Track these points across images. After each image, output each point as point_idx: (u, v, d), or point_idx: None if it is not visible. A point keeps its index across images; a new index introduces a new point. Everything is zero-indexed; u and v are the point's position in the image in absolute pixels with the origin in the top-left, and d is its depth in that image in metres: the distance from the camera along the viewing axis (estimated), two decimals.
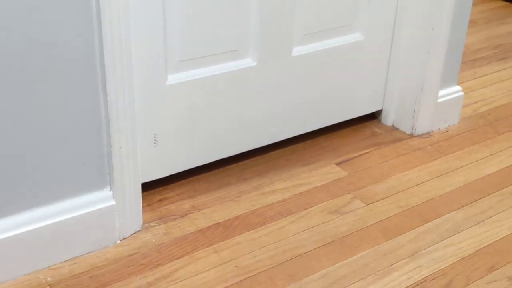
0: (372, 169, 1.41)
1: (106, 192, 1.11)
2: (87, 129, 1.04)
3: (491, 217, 1.26)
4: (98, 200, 1.10)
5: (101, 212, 1.10)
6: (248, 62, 1.30)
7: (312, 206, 1.28)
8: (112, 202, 1.11)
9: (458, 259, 1.14)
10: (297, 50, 1.35)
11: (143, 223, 1.20)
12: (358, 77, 1.49)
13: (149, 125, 1.21)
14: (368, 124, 1.59)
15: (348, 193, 1.32)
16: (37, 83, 0.97)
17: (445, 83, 1.55)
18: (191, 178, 1.34)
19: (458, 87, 1.60)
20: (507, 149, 1.51)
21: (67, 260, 1.10)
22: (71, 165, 1.05)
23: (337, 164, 1.42)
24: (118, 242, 1.15)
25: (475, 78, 1.88)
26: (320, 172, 1.39)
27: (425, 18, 1.44)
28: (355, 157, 1.45)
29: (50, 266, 1.09)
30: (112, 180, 1.10)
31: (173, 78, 1.20)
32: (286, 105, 1.39)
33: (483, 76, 1.89)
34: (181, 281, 1.07)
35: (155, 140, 1.23)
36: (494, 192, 1.34)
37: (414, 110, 1.52)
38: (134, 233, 1.17)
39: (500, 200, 1.32)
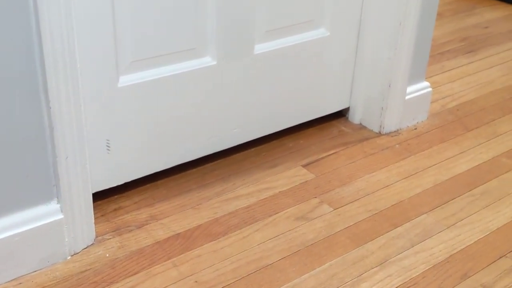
0: (339, 170, 1.35)
1: (53, 205, 1.02)
2: (29, 140, 0.96)
3: (462, 219, 1.22)
4: (45, 214, 1.01)
5: (48, 227, 1.02)
6: (207, 60, 1.22)
7: (278, 213, 1.21)
8: (60, 216, 1.03)
9: (430, 266, 1.09)
10: (259, 48, 1.28)
11: (96, 236, 1.12)
12: (324, 74, 1.42)
13: (100, 131, 1.12)
14: (335, 123, 1.53)
15: (315, 197, 1.26)
16: None
17: (413, 79, 1.50)
18: (149, 185, 1.26)
19: (426, 83, 1.55)
20: (477, 146, 1.47)
21: (13, 280, 1.02)
22: (13, 178, 0.97)
23: (304, 166, 1.36)
24: (69, 258, 1.07)
25: (443, 72, 1.84)
26: (286, 175, 1.32)
27: (392, 12, 1.38)
28: (322, 158, 1.39)
29: None
30: (59, 192, 1.01)
31: (125, 80, 1.12)
32: (248, 105, 1.32)
33: (451, 70, 1.86)
34: None
35: (108, 146, 1.15)
36: (465, 193, 1.30)
37: (382, 108, 1.47)
38: (86, 248, 1.09)
39: (471, 201, 1.27)
